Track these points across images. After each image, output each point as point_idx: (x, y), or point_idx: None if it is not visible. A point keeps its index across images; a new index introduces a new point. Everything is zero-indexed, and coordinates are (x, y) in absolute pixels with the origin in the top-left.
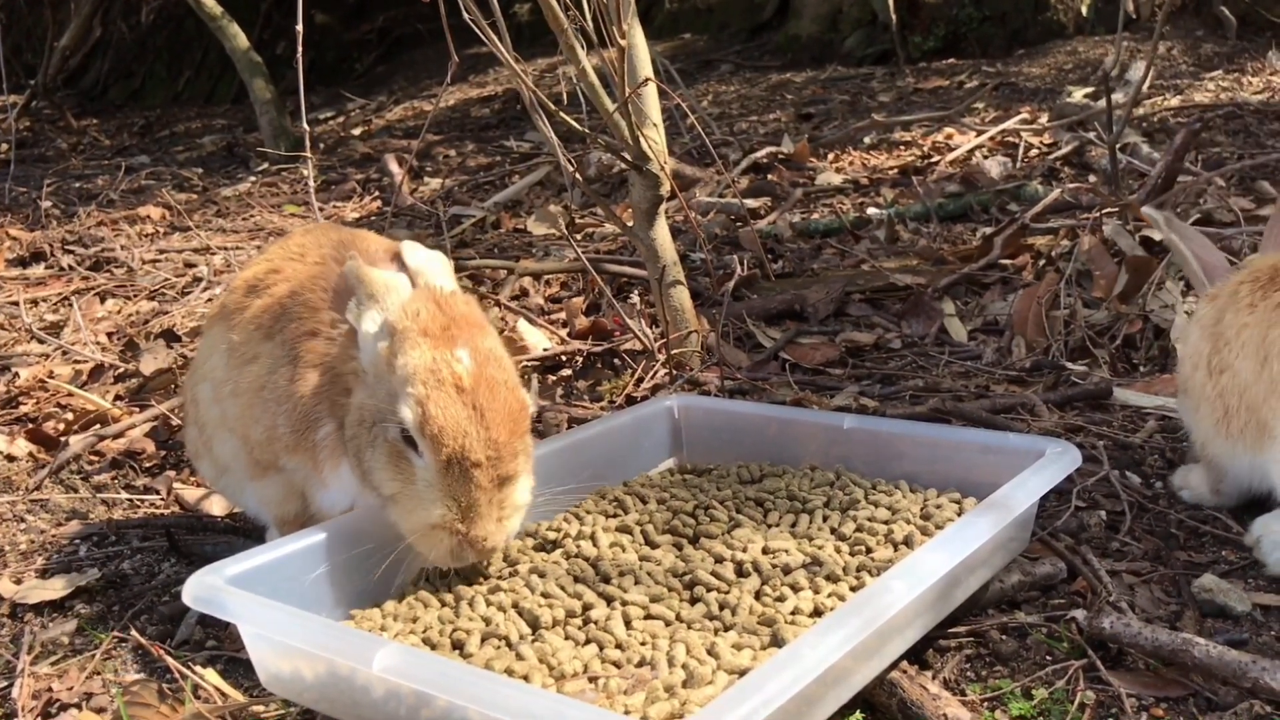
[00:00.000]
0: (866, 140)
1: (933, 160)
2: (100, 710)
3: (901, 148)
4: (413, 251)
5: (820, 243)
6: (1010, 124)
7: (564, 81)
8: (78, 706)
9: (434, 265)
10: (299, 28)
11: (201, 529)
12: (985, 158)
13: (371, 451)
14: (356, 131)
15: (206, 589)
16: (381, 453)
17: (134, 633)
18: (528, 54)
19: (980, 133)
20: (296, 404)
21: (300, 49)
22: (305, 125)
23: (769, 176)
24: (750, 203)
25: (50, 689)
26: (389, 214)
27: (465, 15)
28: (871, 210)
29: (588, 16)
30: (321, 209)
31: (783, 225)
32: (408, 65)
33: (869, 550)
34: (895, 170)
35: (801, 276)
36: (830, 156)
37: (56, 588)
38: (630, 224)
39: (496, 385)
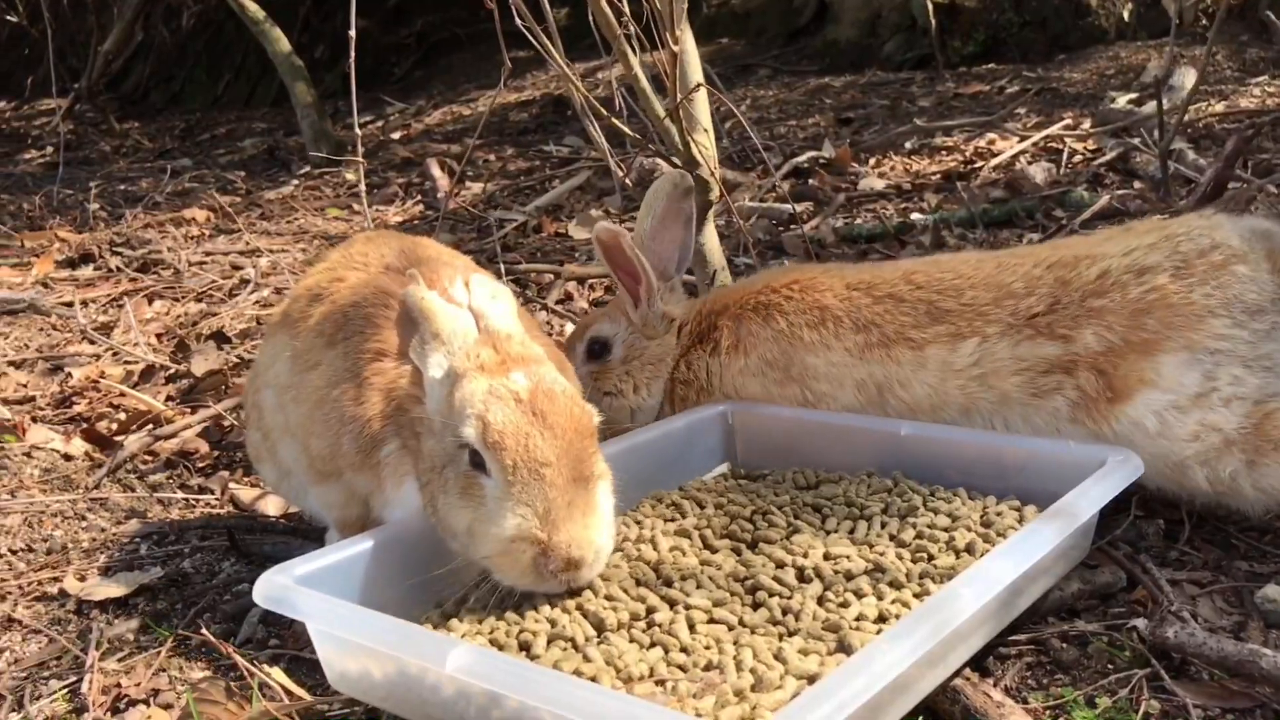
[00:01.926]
0: (908, 145)
1: (976, 166)
2: (167, 706)
3: (943, 153)
4: (479, 288)
5: (865, 248)
6: (1054, 130)
7: (604, 86)
8: (145, 702)
9: (499, 307)
10: (351, 33)
11: (260, 529)
12: (1029, 163)
13: (445, 496)
14: (396, 136)
15: (277, 588)
16: (454, 489)
17: (204, 631)
18: (565, 58)
19: (1023, 138)
20: (363, 426)
21: (352, 56)
22: (357, 131)
23: (810, 181)
24: (789, 207)
25: (119, 685)
26: (433, 219)
27: (519, 22)
28: (915, 216)
29: (631, 22)
30: (362, 210)
31: (826, 230)
32: (445, 70)
33: (930, 557)
34: (938, 175)
35: None
36: (872, 161)
37: (121, 585)
38: None
39: (555, 394)
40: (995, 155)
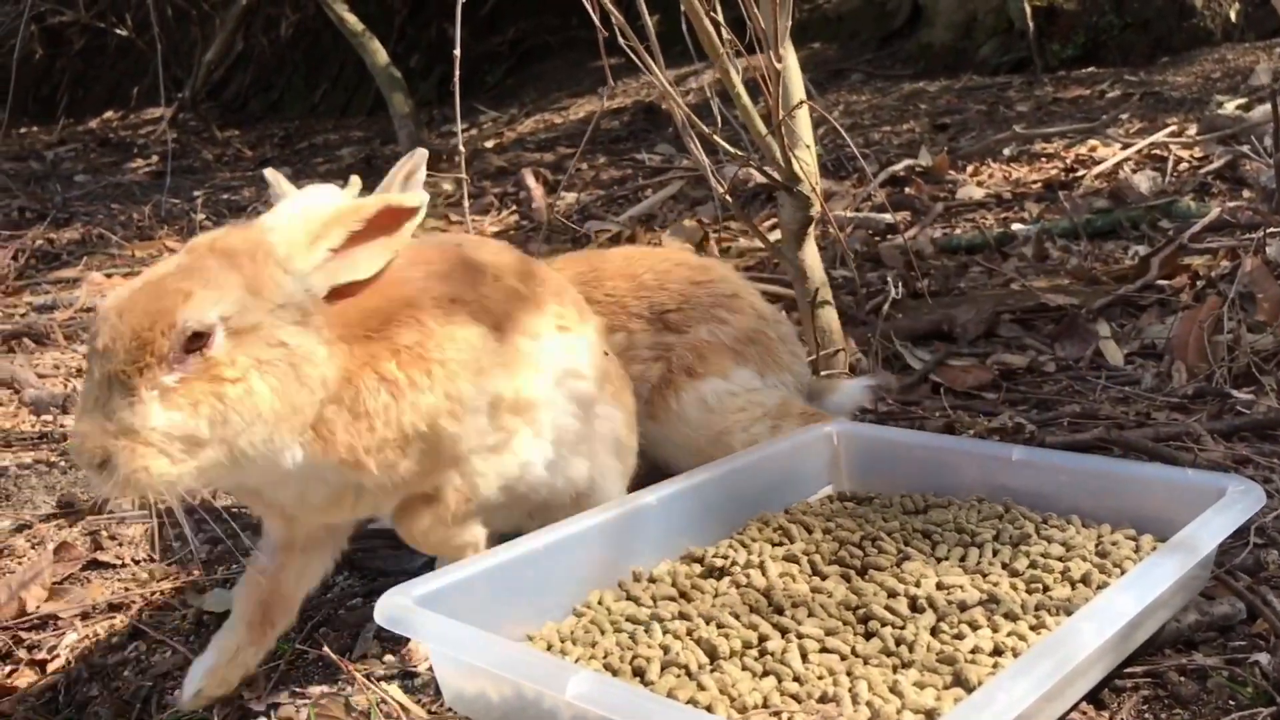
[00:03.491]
0: (1006, 152)
1: (1077, 174)
2: None
3: (1043, 160)
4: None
5: (965, 260)
6: (1158, 137)
7: (695, 93)
8: (266, 715)
9: None
10: (455, 52)
11: (369, 540)
12: (1133, 171)
13: None
14: (489, 144)
15: (398, 609)
16: None
17: (325, 647)
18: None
19: (1126, 145)
20: None
21: (456, 75)
22: (461, 149)
23: (907, 190)
24: (888, 217)
25: (241, 696)
26: (529, 229)
27: (622, 42)
28: (1017, 226)
29: (733, 40)
30: (459, 221)
31: (924, 240)
32: (537, 77)
33: (1046, 588)
34: (1038, 184)
35: (948, 295)
36: (969, 169)
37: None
38: (774, 240)
39: None
40: (1097, 163)
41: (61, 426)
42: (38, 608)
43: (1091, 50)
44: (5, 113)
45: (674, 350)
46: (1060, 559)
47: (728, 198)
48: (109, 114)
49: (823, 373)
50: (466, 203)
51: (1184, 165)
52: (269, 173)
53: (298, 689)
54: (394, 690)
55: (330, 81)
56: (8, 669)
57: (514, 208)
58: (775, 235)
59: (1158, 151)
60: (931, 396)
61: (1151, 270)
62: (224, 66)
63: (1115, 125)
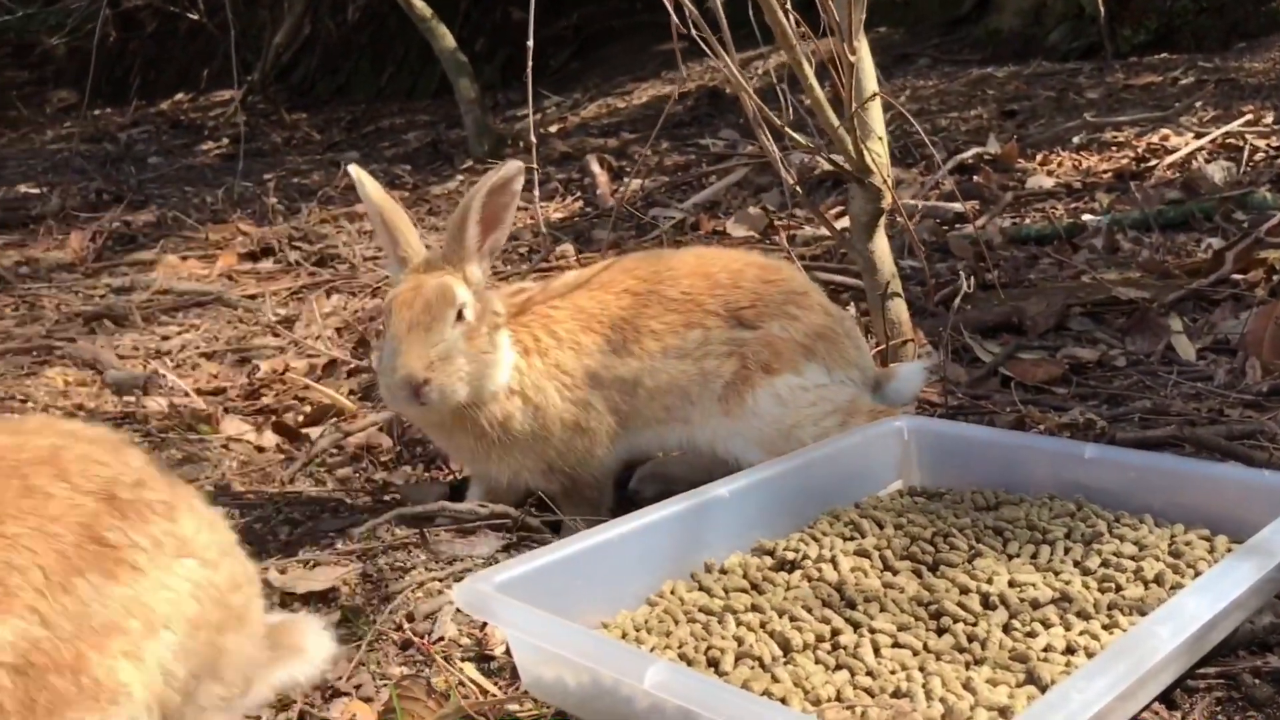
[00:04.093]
0: (1076, 140)
1: (1149, 163)
2: (368, 700)
3: (1114, 149)
4: None
5: (1035, 251)
6: (1233, 125)
7: (760, 78)
8: (349, 695)
9: None
10: (529, 43)
11: (438, 521)
12: (1206, 161)
13: None
14: (553, 128)
15: (478, 596)
16: None
17: (407, 627)
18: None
19: (1199, 134)
20: None
21: (529, 67)
22: (534, 139)
23: (975, 178)
24: (956, 206)
25: (324, 677)
26: (593, 216)
27: (694, 34)
28: (1087, 216)
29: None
30: (525, 207)
31: (993, 230)
32: (601, 61)
33: (1118, 587)
34: (1109, 174)
35: (1018, 287)
36: (1039, 157)
37: (320, 579)
38: (840, 229)
39: None
40: (1170, 152)
41: (143, 408)
42: None
43: (1164, 35)
44: (85, 96)
45: (748, 345)
46: (1133, 558)
47: (798, 189)
48: (180, 96)
49: (890, 364)
50: (536, 192)
51: (1260, 155)
52: (353, 170)
53: (379, 670)
54: (471, 671)
55: (396, 65)
56: None
57: (578, 194)
58: (843, 223)
59: (1232, 141)
60: (1001, 390)
61: (1225, 264)
62: (292, 50)
63: (1188, 113)
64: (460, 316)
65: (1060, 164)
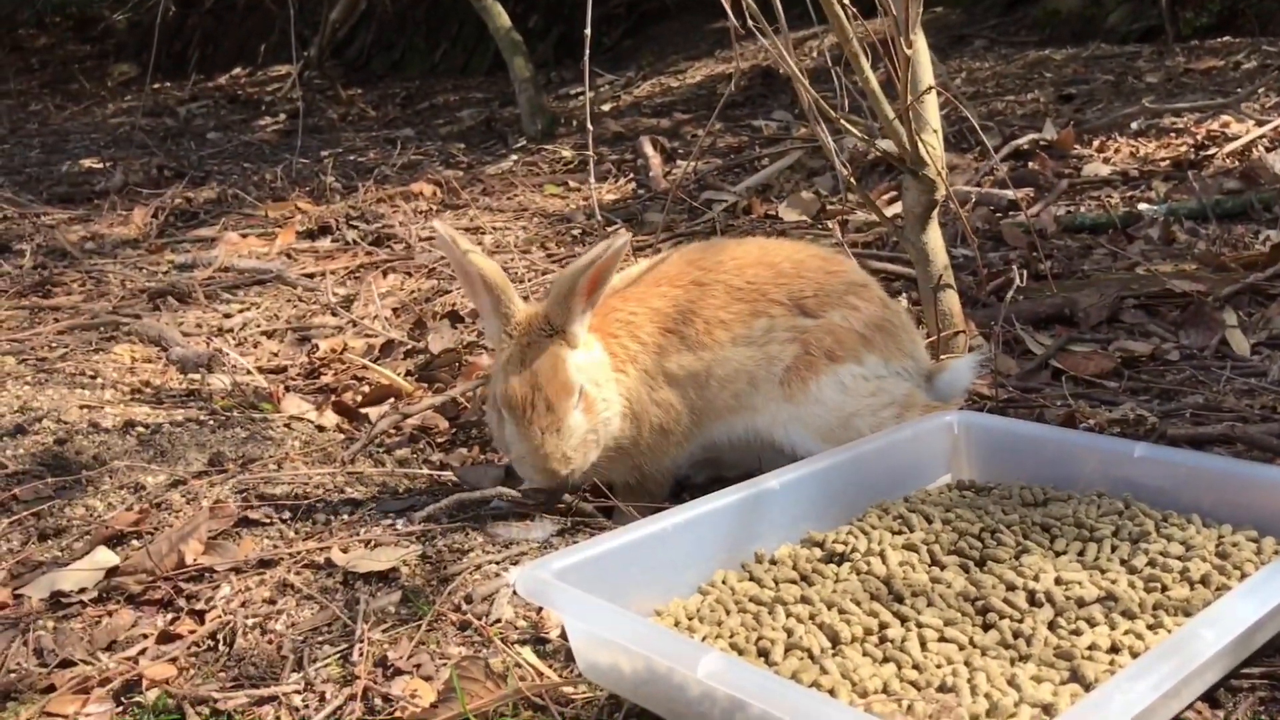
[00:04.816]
0: (1134, 126)
1: (1208, 151)
2: (427, 679)
3: (1172, 135)
4: None
5: (1089, 241)
6: None
7: (811, 60)
8: (409, 673)
9: None
10: (586, 31)
11: (504, 506)
12: (1268, 150)
13: None
14: (606, 107)
15: (537, 582)
16: None
17: (465, 609)
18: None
19: (1261, 122)
20: None
21: (585, 58)
22: (589, 126)
23: (1030, 165)
24: (1010, 194)
25: (386, 655)
26: (645, 199)
27: (751, 25)
28: (1143, 206)
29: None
30: (578, 188)
31: (1046, 219)
32: (654, 39)
33: (1164, 588)
34: (1167, 162)
35: (1071, 278)
36: (1095, 144)
37: (381, 560)
38: (892, 216)
39: None
40: (1230, 140)
41: (208, 385)
42: (195, 561)
43: (1227, 18)
44: (148, 71)
45: (810, 333)
46: (1180, 558)
47: (851, 180)
48: (237, 70)
49: (941, 356)
50: (593, 176)
51: None
52: (440, 227)
53: (438, 650)
54: (527, 654)
55: (450, 41)
56: (170, 617)
57: (631, 175)
58: (895, 208)
59: None
60: (1052, 383)
61: None
62: (348, 25)
63: (1250, 100)
64: (580, 395)
65: (1117, 150)
